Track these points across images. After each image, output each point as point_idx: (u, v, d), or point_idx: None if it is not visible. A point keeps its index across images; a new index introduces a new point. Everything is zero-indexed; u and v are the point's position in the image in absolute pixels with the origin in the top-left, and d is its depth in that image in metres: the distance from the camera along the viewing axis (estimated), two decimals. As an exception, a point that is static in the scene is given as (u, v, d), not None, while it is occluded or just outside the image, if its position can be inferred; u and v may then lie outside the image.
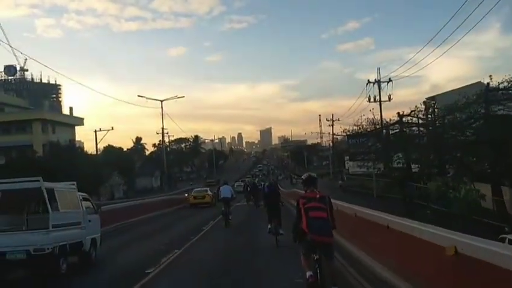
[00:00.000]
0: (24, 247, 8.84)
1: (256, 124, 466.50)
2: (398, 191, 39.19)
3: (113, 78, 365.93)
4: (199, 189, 39.23)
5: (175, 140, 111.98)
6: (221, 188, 20.00)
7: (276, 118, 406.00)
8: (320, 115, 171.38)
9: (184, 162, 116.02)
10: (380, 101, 43.26)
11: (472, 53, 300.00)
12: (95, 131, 52.81)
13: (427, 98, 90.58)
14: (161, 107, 42.63)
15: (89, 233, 11.23)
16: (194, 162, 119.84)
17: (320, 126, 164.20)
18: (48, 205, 9.33)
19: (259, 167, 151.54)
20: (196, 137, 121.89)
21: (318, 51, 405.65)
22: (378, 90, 43.36)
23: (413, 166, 36.72)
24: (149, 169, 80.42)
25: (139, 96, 47.25)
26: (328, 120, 77.07)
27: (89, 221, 11.36)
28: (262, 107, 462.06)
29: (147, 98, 47.26)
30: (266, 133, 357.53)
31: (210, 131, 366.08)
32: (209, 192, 35.58)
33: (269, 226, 13.33)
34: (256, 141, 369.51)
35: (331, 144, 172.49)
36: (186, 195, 41.11)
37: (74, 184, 11.23)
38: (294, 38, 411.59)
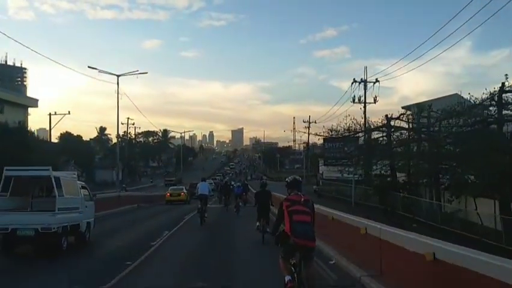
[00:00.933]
0: (33, 225, 10.43)
1: (228, 124, 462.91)
2: (378, 200, 36.30)
3: (84, 67, 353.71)
4: (175, 187, 41.00)
5: (143, 132, 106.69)
6: (198, 184, 19.01)
7: (248, 119, 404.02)
8: (294, 117, 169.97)
9: (151, 156, 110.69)
10: (365, 102, 39.99)
11: (442, 68, 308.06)
12: (50, 115, 47.58)
13: (403, 107, 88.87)
14: (117, 83, 32.99)
15: (85, 217, 12.84)
16: (161, 157, 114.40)
17: (294, 128, 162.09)
18: (56, 191, 10.90)
19: (232, 165, 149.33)
20: (165, 131, 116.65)
21: (295, 55, 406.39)
22: (363, 91, 40.05)
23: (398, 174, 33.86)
24: (111, 161, 75.07)
25: (89, 67, 38.06)
26: (305, 122, 73.68)
27: (86, 206, 12.95)
28: (235, 107, 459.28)
29: (100, 71, 37.64)
30: (238, 133, 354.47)
31: (181, 127, 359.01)
32: (184, 191, 37.70)
33: (257, 224, 13.72)
34: (227, 141, 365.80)
35: (305, 147, 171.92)
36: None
37: (75, 174, 13.82)
38: (272, 41, 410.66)
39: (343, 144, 71.71)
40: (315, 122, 72.75)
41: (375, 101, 39.69)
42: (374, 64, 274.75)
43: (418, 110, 29.77)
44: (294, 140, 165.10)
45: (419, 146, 30.33)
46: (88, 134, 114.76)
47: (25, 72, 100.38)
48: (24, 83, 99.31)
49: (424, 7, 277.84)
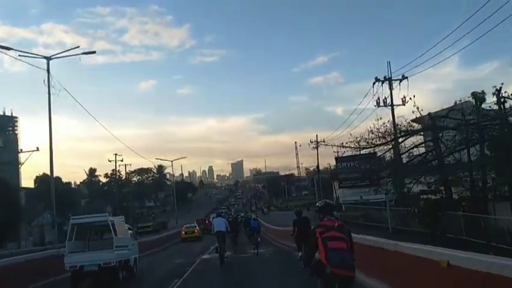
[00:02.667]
0: (97, 262, 13.09)
1: (227, 157, 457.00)
2: (419, 224, 28.72)
3: (80, 114, 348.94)
4: (188, 225, 42.17)
5: (136, 170, 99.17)
6: (213, 220, 18.57)
7: (247, 151, 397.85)
8: (296, 142, 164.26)
9: (146, 195, 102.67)
10: (392, 105, 32.66)
11: (433, 85, 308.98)
12: (17, 153, 40.17)
13: (413, 120, 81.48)
14: (48, 69, 22.89)
15: (133, 253, 15.55)
16: (157, 196, 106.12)
17: (297, 154, 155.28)
18: (113, 232, 13.60)
19: (239, 195, 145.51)
20: (160, 167, 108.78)
21: (289, 84, 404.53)
22: (389, 91, 32.65)
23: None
24: (99, 205, 67.20)
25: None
26: (311, 142, 65.85)
27: (133, 245, 15.75)
28: (232, 140, 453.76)
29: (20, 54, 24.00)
30: (237, 166, 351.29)
31: (180, 165, 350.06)
32: (197, 228, 40.58)
33: (300, 253, 13.54)
34: (227, 174, 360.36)
35: (309, 172, 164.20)
36: None
37: (122, 218, 17.35)
38: (264, 72, 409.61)
39: (358, 163, 64.63)
40: (324, 141, 65.07)
41: (404, 103, 32.22)
42: (366, 87, 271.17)
43: (476, 101, 22.30)
44: (298, 166, 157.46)
45: (482, 150, 22.74)
46: (79, 177, 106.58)
47: (16, 121, 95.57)
48: (16, 131, 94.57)
49: (410, 26, 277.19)
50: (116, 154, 68.51)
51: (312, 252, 6.06)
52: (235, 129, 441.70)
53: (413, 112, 24.31)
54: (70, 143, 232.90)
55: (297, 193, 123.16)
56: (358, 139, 28.73)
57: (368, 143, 29.32)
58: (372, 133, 29.00)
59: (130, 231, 16.00)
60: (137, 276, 15.59)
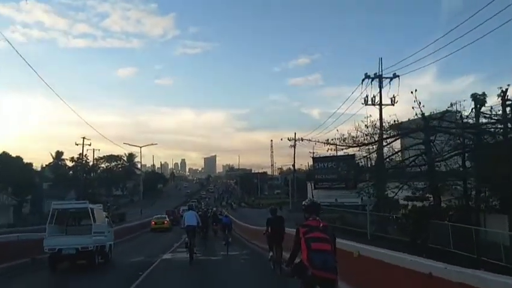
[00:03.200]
0: (75, 245, 13.61)
1: (201, 151, 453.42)
2: (398, 232, 27.43)
3: (54, 96, 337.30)
4: (158, 215, 42.62)
5: (105, 157, 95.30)
6: (184, 214, 17.28)
7: (221, 147, 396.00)
8: (272, 140, 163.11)
9: (114, 184, 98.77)
10: (381, 103, 30.99)
11: (407, 95, 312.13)
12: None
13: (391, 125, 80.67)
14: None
15: (108, 240, 16.09)
16: (126, 185, 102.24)
17: (272, 152, 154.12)
18: (92, 219, 14.34)
19: (211, 189, 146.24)
20: (131, 154, 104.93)
21: (269, 83, 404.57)
22: (379, 89, 30.94)
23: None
24: (63, 190, 63.46)
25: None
26: (290, 140, 64.02)
27: (109, 231, 16.27)
28: (208, 135, 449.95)
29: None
30: (210, 161, 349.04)
31: (152, 155, 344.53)
32: (167, 219, 41.16)
33: (270, 254, 12.56)
34: (200, 169, 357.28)
35: (281, 171, 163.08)
36: None
37: (101, 205, 17.93)
38: (246, 69, 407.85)
39: (336, 164, 63.01)
40: (301, 140, 63.32)
41: (393, 103, 30.63)
42: (345, 92, 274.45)
43: (476, 103, 20.64)
44: (272, 165, 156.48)
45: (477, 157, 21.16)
46: (46, 161, 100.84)
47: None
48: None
49: (392, 33, 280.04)
50: (84, 138, 65.19)
51: (294, 253, 5.78)
52: (211, 123, 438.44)
53: (412, 108, 22.50)
54: (42, 126, 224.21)
55: (270, 191, 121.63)
56: (344, 136, 26.89)
57: (354, 141, 27.53)
58: (360, 131, 27.25)
59: (106, 219, 16.69)
60: (111, 262, 16.13)
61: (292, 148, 63.70)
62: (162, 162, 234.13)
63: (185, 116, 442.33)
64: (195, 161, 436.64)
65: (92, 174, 74.43)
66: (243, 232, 33.82)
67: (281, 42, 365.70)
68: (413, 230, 24.40)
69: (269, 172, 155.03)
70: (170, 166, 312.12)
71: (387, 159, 28.53)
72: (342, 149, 33.31)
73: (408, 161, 26.38)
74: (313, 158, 66.19)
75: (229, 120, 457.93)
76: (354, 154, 65.43)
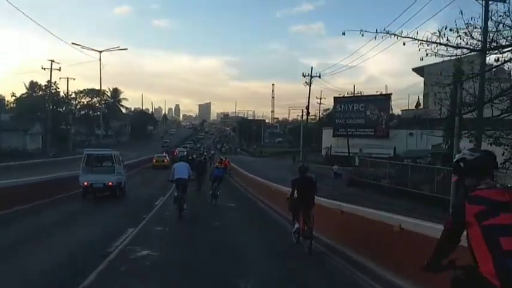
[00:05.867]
0: (103, 181, 17.31)
1: (196, 98, 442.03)
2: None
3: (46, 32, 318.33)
4: (159, 155, 46.26)
5: (84, 90, 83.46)
6: (174, 165, 14.75)
7: (216, 94, 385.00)
8: (273, 84, 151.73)
9: (96, 122, 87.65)
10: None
11: (407, 48, 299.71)
12: None
13: (413, 69, 69.36)
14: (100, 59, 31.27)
15: (124, 178, 19.18)
16: (109, 124, 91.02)
17: (273, 97, 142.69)
18: (114, 162, 18.27)
19: (211, 131, 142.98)
20: (116, 90, 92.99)
21: (269, 30, 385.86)
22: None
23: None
24: (25, 122, 52.36)
25: (73, 44, 44.13)
26: (305, 76, 51.93)
27: (124, 171, 19.48)
28: (203, 82, 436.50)
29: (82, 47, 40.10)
30: (205, 107, 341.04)
31: (146, 99, 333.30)
32: (167, 158, 44.17)
33: (296, 225, 9.20)
34: (194, 115, 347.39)
35: (282, 121, 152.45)
36: None
37: (119, 152, 20.00)
38: (247, 12, 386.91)
39: (364, 106, 51.92)
40: (319, 77, 51.44)
41: None
42: (346, 43, 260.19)
43: None
44: (272, 111, 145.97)
45: None
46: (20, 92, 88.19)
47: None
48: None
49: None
50: (52, 61, 53.33)
51: (445, 246, 2.85)
52: (207, 70, 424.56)
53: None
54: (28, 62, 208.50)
55: (270, 140, 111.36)
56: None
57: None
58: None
59: (122, 163, 19.46)
60: (126, 194, 19.15)
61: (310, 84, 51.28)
62: (156, 107, 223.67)
63: (181, 61, 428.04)
64: (189, 107, 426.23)
65: (64, 108, 62.85)
66: (253, 187, 23.42)
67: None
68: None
69: (267, 120, 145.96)
70: (164, 112, 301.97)
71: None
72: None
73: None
74: (336, 99, 55.21)
75: (225, 68, 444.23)
76: (390, 94, 53.61)
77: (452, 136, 26.17)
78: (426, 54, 15.77)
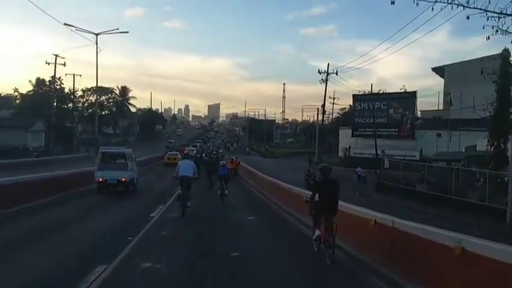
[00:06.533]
0: (117, 177, 18.44)
1: (205, 99, 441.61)
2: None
3: (57, 30, 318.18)
4: (171, 152, 48.91)
5: (92, 88, 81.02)
6: (179, 162, 14.74)
7: (225, 95, 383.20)
8: (284, 84, 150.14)
9: (105, 120, 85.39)
10: None
11: (419, 52, 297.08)
12: None
13: (433, 68, 66.59)
14: (96, 42, 35.47)
15: (136, 174, 20.25)
16: (117, 122, 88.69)
17: (284, 97, 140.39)
18: (127, 159, 19.41)
19: (221, 131, 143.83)
20: (124, 88, 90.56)
21: (280, 31, 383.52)
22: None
23: None
24: (26, 120, 49.96)
25: (66, 24, 38.38)
26: (321, 73, 48.76)
27: (136, 168, 20.63)
28: (212, 82, 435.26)
29: (76, 28, 38.96)
30: (214, 108, 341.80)
31: (156, 100, 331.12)
32: (179, 155, 42.99)
33: (317, 233, 8.19)
34: (203, 116, 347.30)
35: (292, 122, 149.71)
36: None
37: (131, 150, 21.33)
38: (258, 15, 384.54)
39: (387, 105, 48.72)
40: (336, 73, 48.11)
41: None
42: (358, 45, 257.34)
43: None
44: (283, 111, 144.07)
45: None
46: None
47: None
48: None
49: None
50: (56, 55, 50.87)
51: None
52: (216, 71, 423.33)
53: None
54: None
55: (281, 140, 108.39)
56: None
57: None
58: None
59: (135, 160, 20.74)
60: (137, 190, 20.01)
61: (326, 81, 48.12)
62: (165, 107, 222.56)
63: (191, 62, 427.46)
64: (199, 107, 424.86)
65: (69, 105, 60.28)
66: (267, 190, 20.60)
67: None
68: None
69: (277, 121, 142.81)
70: (173, 112, 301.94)
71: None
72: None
73: None
74: (355, 96, 52.21)
75: (234, 69, 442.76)
76: (415, 91, 50.46)
77: (500, 136, 23.16)
78: (496, 31, 13.05)
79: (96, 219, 12.30)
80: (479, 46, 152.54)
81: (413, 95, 46.41)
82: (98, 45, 43.90)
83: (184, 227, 11.50)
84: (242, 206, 16.80)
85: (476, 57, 61.61)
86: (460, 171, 23.55)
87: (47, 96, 53.87)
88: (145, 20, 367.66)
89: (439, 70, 63.71)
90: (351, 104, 56.39)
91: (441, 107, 60.92)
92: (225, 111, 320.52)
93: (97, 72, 46.58)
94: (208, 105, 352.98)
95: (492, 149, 23.24)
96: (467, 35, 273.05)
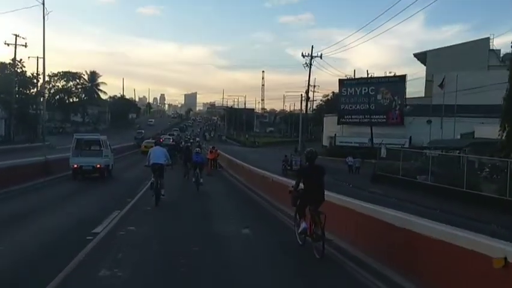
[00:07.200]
0: (92, 163, 18.82)
1: (181, 88, 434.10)
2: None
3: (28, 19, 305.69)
4: (148, 140, 47.39)
5: (59, 73, 76.24)
6: (150, 150, 14.34)
7: (202, 84, 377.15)
8: (263, 71, 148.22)
9: (72, 108, 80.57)
10: None
11: (395, 41, 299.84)
12: None
13: (414, 54, 65.42)
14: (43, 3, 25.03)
15: (111, 161, 20.81)
16: (87, 110, 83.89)
17: (263, 85, 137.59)
18: (102, 146, 19.69)
19: (198, 119, 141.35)
20: (93, 73, 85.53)
21: (257, 19, 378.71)
22: None
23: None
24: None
25: None
26: (304, 57, 45.67)
27: (111, 155, 21.12)
28: (189, 71, 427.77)
29: None
30: (191, 97, 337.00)
31: (129, 88, 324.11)
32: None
33: (303, 225, 7.53)
34: (179, 105, 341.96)
35: (269, 111, 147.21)
36: None
37: (105, 136, 21.44)
38: (236, 2, 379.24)
39: (374, 90, 46.17)
40: (320, 57, 45.08)
41: None
42: (333, 34, 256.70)
43: None
44: (263, 99, 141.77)
45: None
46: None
47: None
48: None
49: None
50: (16, 35, 46.18)
51: None
52: (192, 60, 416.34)
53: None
54: None
55: (261, 129, 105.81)
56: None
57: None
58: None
59: (110, 147, 21.02)
60: (113, 176, 20.62)
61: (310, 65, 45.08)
62: (140, 96, 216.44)
63: (167, 50, 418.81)
64: (175, 96, 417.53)
65: (31, 90, 55.22)
66: (251, 179, 17.70)
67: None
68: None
69: (256, 110, 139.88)
70: (148, 100, 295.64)
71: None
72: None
73: None
74: (341, 81, 49.32)
75: (211, 57, 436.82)
76: (405, 75, 48.36)
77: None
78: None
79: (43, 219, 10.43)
80: (451, 35, 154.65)
81: (402, 79, 43.99)
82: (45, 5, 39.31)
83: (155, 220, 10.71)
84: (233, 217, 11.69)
85: (459, 43, 60.75)
86: (466, 159, 21.05)
87: (7, 80, 49.00)
88: (119, 5, 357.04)
89: (422, 56, 61.93)
90: (334, 91, 53.94)
91: (424, 94, 59.20)
92: (202, 100, 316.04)
93: (44, 41, 41.27)
94: (185, 95, 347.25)
95: (505, 135, 20.83)
96: (439, 24, 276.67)
